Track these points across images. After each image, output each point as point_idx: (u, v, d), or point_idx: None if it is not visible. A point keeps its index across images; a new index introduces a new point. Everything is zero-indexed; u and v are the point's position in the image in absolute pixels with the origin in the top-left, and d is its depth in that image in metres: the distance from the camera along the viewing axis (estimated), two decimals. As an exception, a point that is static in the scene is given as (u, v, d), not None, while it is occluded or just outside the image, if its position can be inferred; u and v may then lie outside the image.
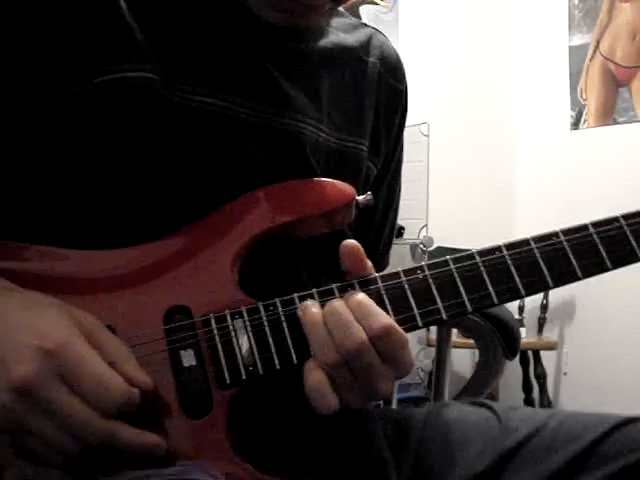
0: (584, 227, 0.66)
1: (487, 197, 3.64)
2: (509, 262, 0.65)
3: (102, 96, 0.65)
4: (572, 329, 3.52)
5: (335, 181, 0.69)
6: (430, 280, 0.64)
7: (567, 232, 0.66)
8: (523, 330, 3.23)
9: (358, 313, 0.61)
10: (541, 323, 3.46)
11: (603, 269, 0.66)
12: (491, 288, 0.64)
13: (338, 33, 0.82)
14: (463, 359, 3.34)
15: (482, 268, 0.65)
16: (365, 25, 0.87)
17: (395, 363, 0.62)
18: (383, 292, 0.64)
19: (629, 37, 3.32)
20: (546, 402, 3.35)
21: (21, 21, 0.65)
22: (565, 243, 0.66)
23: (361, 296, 0.62)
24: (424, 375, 3.40)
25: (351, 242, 0.64)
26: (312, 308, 0.62)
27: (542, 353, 3.40)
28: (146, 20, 0.68)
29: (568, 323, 3.53)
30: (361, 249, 0.64)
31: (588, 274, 0.66)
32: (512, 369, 3.33)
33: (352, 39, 0.84)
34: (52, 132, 0.65)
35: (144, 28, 0.68)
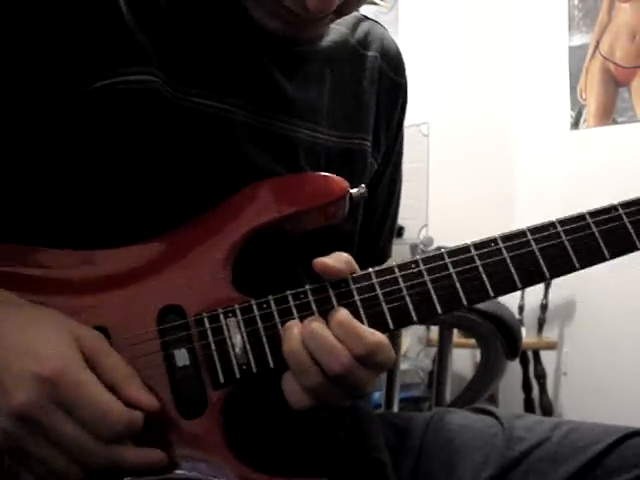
0: (581, 217, 0.66)
1: (487, 197, 3.64)
2: (505, 254, 0.64)
3: (103, 99, 0.65)
4: (572, 329, 3.52)
5: (328, 175, 0.68)
6: (425, 274, 0.64)
7: (564, 222, 0.66)
8: (523, 330, 3.23)
9: (341, 334, 0.60)
10: (541, 323, 3.46)
11: (601, 259, 0.65)
12: (486, 279, 0.64)
13: (336, 28, 0.82)
14: (464, 359, 3.34)
15: (478, 260, 0.64)
16: (364, 18, 0.87)
17: (381, 370, 0.62)
18: (378, 287, 0.63)
19: (629, 37, 3.32)
20: (546, 402, 3.35)
21: (22, 25, 0.65)
22: (563, 234, 0.65)
23: (343, 314, 0.61)
24: (424, 375, 3.40)
25: (317, 261, 0.63)
26: (293, 330, 0.61)
27: (542, 353, 3.40)
28: (147, 23, 0.68)
29: (568, 323, 3.53)
30: (328, 263, 0.63)
31: (586, 265, 0.65)
32: (512, 369, 3.33)
33: (350, 33, 0.83)
34: (53, 135, 0.65)
35: (145, 31, 0.68)
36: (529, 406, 3.38)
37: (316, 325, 0.60)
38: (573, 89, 3.56)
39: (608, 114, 3.42)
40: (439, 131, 3.26)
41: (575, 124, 3.56)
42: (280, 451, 0.71)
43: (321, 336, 0.60)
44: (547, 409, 3.33)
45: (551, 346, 3.44)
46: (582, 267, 0.65)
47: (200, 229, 0.66)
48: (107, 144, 0.65)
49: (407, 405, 3.02)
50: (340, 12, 0.70)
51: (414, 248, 3.12)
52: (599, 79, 3.45)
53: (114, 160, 0.66)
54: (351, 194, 0.68)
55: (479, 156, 3.65)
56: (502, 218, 3.69)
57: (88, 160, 0.65)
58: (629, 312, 3.17)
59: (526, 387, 3.42)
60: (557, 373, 3.58)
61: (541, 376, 3.37)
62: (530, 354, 3.39)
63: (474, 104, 3.65)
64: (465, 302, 0.64)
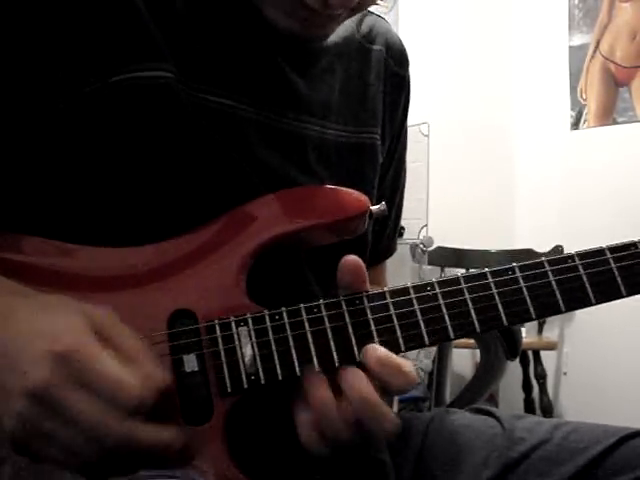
0: (601, 251, 0.65)
1: (487, 197, 3.64)
2: (522, 284, 0.63)
3: (118, 95, 0.65)
4: (572, 329, 3.52)
5: (350, 190, 0.68)
6: (440, 298, 0.63)
7: (583, 256, 0.65)
8: (523, 330, 3.22)
9: (384, 373, 0.60)
10: (541, 323, 3.45)
11: (618, 296, 0.64)
12: (501, 309, 0.63)
13: (343, 22, 0.82)
14: (463, 359, 3.34)
15: (494, 288, 0.63)
16: (368, 12, 0.87)
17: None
18: (392, 308, 0.63)
19: (629, 37, 3.32)
20: (546, 402, 3.35)
21: (39, 19, 0.65)
22: (581, 268, 0.64)
23: (382, 352, 0.60)
24: (424, 375, 3.40)
25: (354, 259, 0.63)
26: (319, 378, 0.60)
27: (542, 353, 3.40)
28: (162, 20, 0.68)
29: (568, 323, 3.53)
30: (364, 267, 0.63)
31: (602, 301, 0.64)
32: (512, 369, 3.33)
33: (356, 27, 0.84)
34: (67, 130, 0.65)
35: (160, 28, 0.68)
36: (529, 406, 3.38)
37: (365, 386, 0.59)
38: (573, 89, 3.56)
39: (608, 114, 3.41)
40: (439, 131, 3.25)
41: (575, 124, 3.56)
42: (280, 452, 0.71)
43: (372, 395, 0.59)
44: (547, 409, 3.32)
45: (551, 346, 3.43)
46: (598, 302, 0.64)
47: (218, 233, 0.66)
48: (120, 139, 0.65)
49: (407, 405, 3.02)
50: (355, 9, 0.70)
51: (414, 248, 3.11)
52: (599, 79, 3.45)
53: (127, 155, 0.66)
54: (371, 210, 0.68)
55: (479, 156, 3.65)
56: (502, 218, 3.70)
57: (101, 155, 0.65)
58: (629, 312, 3.17)
59: (526, 387, 3.41)
60: (557, 373, 3.57)
61: (541, 376, 3.36)
62: (530, 354, 3.39)
63: (474, 104, 3.64)
64: (478, 330, 0.63)
